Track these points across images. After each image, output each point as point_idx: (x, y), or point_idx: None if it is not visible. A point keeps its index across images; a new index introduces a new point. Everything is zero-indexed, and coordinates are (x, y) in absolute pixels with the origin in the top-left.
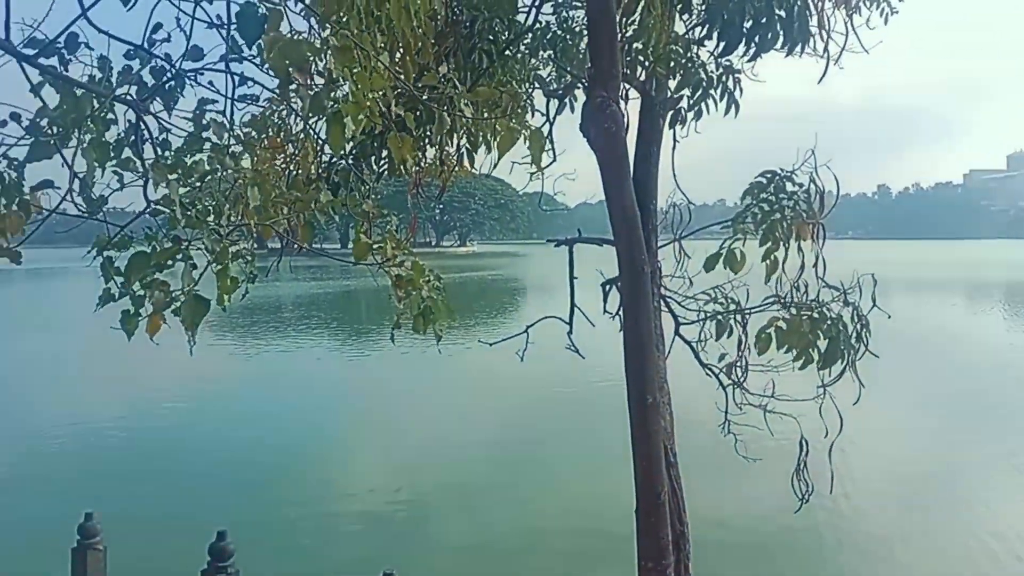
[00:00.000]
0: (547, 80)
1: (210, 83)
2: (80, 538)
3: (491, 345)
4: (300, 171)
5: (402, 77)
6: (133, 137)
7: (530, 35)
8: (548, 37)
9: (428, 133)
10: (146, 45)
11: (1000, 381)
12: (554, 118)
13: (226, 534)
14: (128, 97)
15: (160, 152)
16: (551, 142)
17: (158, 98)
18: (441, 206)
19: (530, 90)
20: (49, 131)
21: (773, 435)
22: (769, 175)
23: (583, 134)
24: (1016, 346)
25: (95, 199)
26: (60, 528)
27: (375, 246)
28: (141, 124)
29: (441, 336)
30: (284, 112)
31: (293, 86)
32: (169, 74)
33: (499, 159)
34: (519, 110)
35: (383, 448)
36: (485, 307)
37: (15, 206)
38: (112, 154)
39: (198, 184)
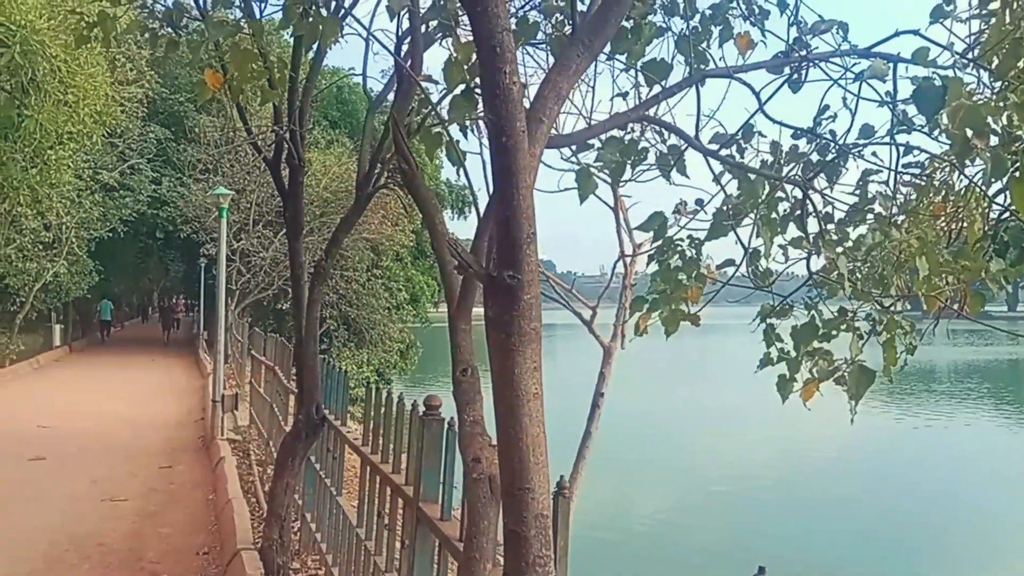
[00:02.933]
0: None
1: (873, 154)
2: None
3: None
4: (966, 236)
5: None
6: (799, 212)
7: None
8: None
9: None
10: (813, 126)
11: None
12: None
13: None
14: (795, 176)
15: (823, 225)
16: None
17: (823, 174)
18: None
19: None
20: (728, 214)
21: None
22: None
23: None
24: None
25: (763, 271)
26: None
27: None
28: (807, 200)
29: None
30: (948, 173)
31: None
32: (833, 150)
33: None
34: None
35: None
36: None
37: (694, 277)
38: (779, 229)
39: (861, 256)
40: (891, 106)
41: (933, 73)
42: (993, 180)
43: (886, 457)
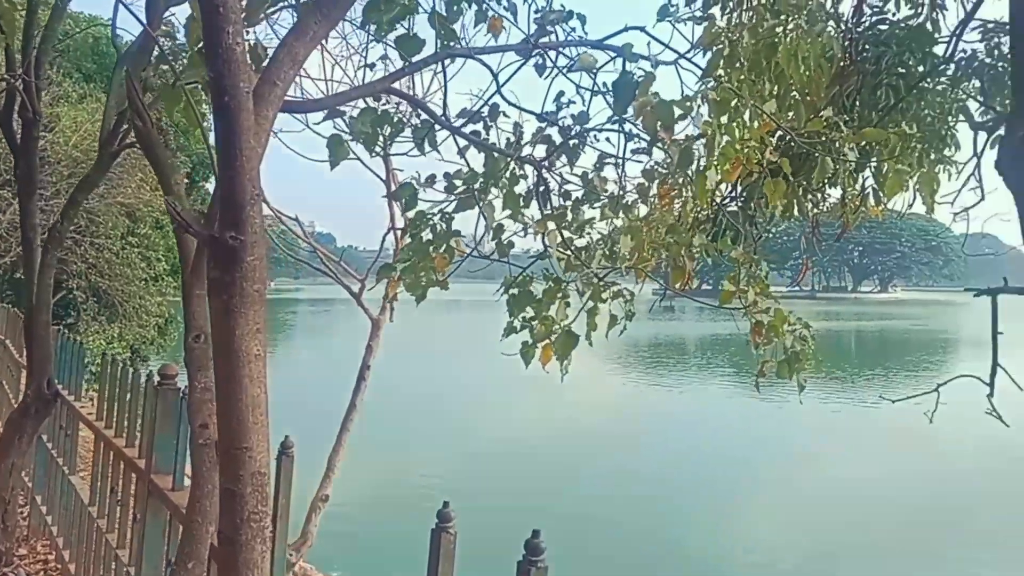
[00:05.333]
0: (975, 112)
1: (607, 139)
2: (438, 522)
3: (894, 403)
4: (683, 217)
5: (786, 123)
6: (541, 189)
7: (952, 65)
8: (974, 66)
9: (804, 178)
10: (555, 110)
11: None
12: (982, 153)
13: (540, 532)
14: (530, 156)
15: (562, 203)
16: (979, 179)
17: (564, 156)
18: (860, 248)
19: (953, 124)
20: (472, 187)
21: None
22: None
23: (999, 173)
24: None
25: (504, 244)
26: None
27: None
28: (541, 180)
29: (804, 386)
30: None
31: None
32: (573, 133)
33: (887, 202)
34: (924, 147)
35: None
36: (901, 360)
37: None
38: (522, 204)
39: (578, 232)
40: (608, 97)
41: (638, 68)
42: (679, 170)
43: (632, 422)
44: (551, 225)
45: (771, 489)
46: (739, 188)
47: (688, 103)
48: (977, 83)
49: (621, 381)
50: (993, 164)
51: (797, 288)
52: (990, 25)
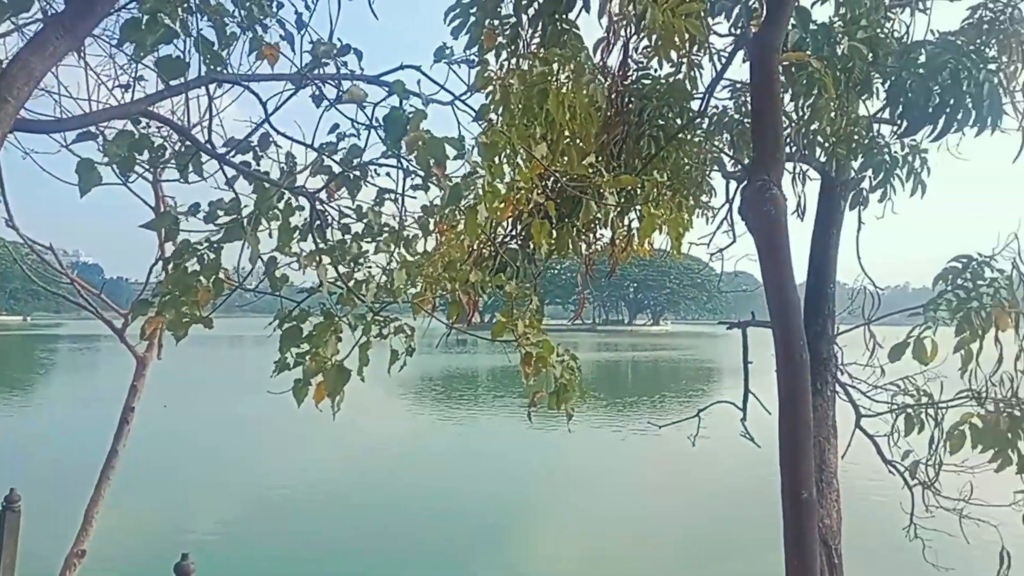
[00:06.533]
0: (728, 163)
1: (388, 174)
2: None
3: (660, 428)
4: (467, 252)
5: (556, 166)
6: (318, 222)
7: (706, 119)
8: (725, 121)
9: (573, 219)
10: (334, 141)
11: None
12: (732, 199)
13: (188, 555)
14: (304, 188)
15: (342, 236)
16: (731, 223)
17: (345, 188)
18: (635, 284)
19: (708, 172)
20: (240, 217)
21: (969, 543)
22: (965, 259)
23: (741, 217)
24: None
25: (279, 278)
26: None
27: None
28: (321, 212)
29: (572, 415)
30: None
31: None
32: (353, 165)
33: (643, 244)
34: (683, 194)
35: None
36: (670, 387)
37: (212, 282)
38: (299, 237)
39: (352, 266)
40: (379, 129)
41: (410, 105)
42: (450, 205)
43: (419, 455)
44: (324, 259)
45: (550, 515)
46: (519, 227)
47: (461, 142)
48: (728, 136)
49: (413, 414)
50: (736, 210)
51: (579, 321)
52: (738, 85)
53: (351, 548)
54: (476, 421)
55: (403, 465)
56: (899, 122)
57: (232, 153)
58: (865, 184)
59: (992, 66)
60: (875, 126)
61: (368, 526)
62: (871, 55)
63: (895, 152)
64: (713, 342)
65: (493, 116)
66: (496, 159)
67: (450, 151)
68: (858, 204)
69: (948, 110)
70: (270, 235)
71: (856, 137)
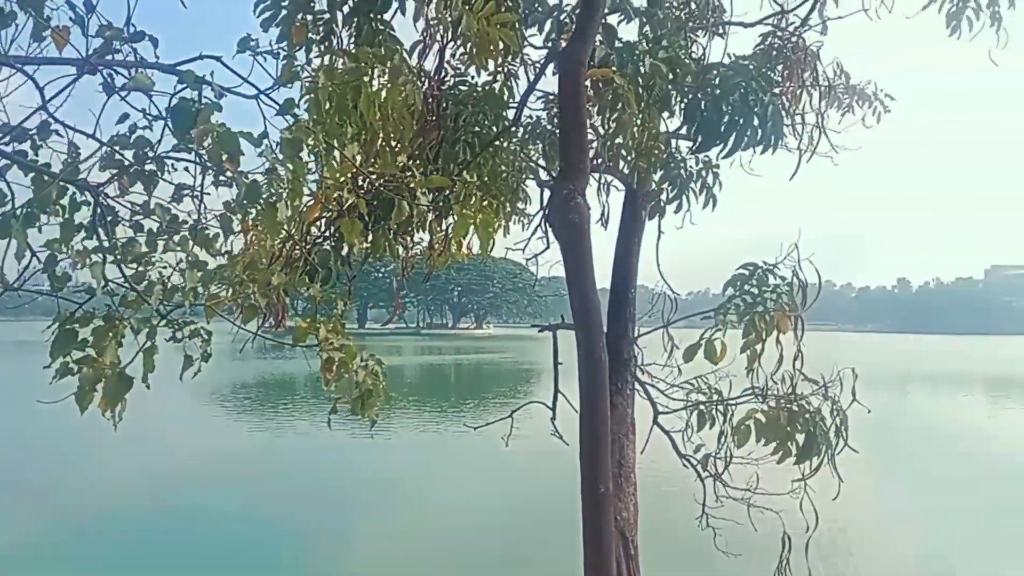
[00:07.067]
0: (543, 171)
1: (186, 169)
2: None
3: (475, 429)
4: (275, 253)
5: (371, 166)
6: (108, 219)
7: (521, 128)
8: (538, 131)
9: (387, 220)
10: (128, 133)
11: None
12: (546, 206)
13: None
14: (86, 181)
15: (134, 235)
16: (544, 230)
17: (139, 182)
18: (460, 288)
19: (523, 179)
20: (11, 210)
21: (756, 530)
22: (751, 267)
23: (549, 224)
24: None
25: (59, 277)
26: None
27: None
28: (110, 208)
29: (376, 421)
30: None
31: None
32: (146, 159)
33: (458, 245)
34: (502, 199)
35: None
36: (492, 389)
37: None
38: (85, 235)
39: (138, 267)
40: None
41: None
42: (246, 202)
43: (227, 465)
44: (95, 257)
45: (361, 521)
46: (333, 228)
47: (261, 138)
48: (541, 146)
49: (221, 423)
50: (544, 218)
51: (403, 325)
52: (550, 96)
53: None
54: (291, 429)
55: (210, 477)
56: (695, 139)
57: (6, 140)
58: (664, 196)
59: (776, 90)
60: (673, 142)
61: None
62: (671, 74)
63: (691, 167)
64: (533, 345)
65: (302, 113)
66: (301, 156)
67: (252, 148)
68: (656, 214)
69: (737, 129)
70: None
71: (656, 152)
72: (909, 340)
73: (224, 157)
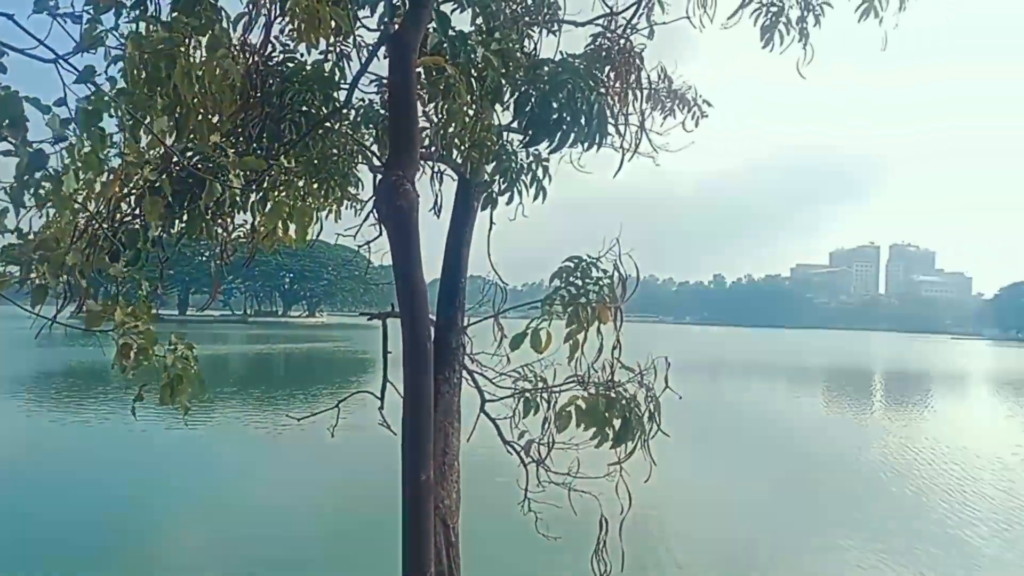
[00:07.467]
0: (374, 156)
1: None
2: None
3: (299, 421)
4: (76, 230)
5: (185, 142)
6: None
7: (352, 111)
8: (371, 115)
9: (197, 201)
10: None
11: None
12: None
13: None
14: None
15: None
16: (377, 216)
17: None
18: (291, 275)
19: (355, 163)
20: None
21: (576, 514)
22: (576, 260)
23: (375, 209)
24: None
25: None
26: None
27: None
28: None
29: (189, 409)
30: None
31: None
32: None
33: (270, 230)
34: (331, 183)
35: None
36: (324, 379)
37: None
38: None
39: None
40: None
41: None
42: (28, 176)
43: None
44: None
45: (171, 516)
46: (139, 207)
47: (57, 105)
48: (374, 130)
49: (26, 416)
50: (372, 204)
51: (229, 312)
52: (383, 80)
53: None
54: (98, 421)
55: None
56: (526, 132)
57: None
58: (496, 187)
59: (603, 89)
60: (505, 134)
61: None
62: (503, 67)
63: (522, 160)
64: (368, 333)
65: (104, 82)
66: (103, 128)
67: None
68: (489, 205)
69: (565, 125)
70: None
71: (488, 143)
72: (724, 331)
73: (5, 123)
